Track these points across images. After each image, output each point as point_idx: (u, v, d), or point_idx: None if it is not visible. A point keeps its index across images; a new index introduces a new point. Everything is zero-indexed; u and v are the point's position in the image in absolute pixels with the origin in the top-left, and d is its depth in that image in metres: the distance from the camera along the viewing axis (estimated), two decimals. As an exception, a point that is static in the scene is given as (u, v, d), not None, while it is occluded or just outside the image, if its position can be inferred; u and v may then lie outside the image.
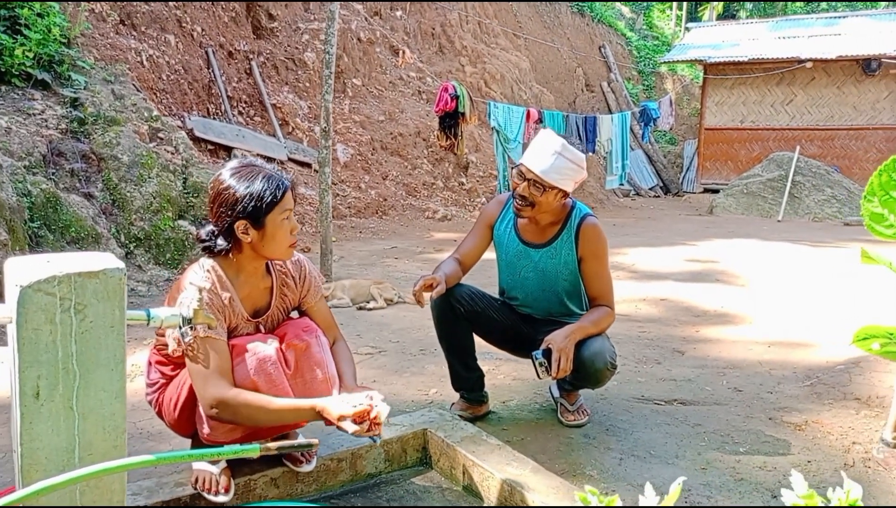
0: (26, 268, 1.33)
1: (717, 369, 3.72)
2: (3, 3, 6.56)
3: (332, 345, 2.33)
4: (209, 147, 8.27)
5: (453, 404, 3.06)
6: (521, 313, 3.01)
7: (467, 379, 3.01)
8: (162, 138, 6.69)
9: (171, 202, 6.24)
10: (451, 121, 8.40)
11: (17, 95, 6.48)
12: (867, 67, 16.38)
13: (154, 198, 6.14)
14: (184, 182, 6.47)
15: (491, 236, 3.02)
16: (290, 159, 9.62)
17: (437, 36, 13.70)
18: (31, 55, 6.50)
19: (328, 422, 2.00)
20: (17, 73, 6.45)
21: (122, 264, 1.47)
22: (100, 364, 1.38)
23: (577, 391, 2.99)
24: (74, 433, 1.31)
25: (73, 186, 5.97)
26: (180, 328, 1.79)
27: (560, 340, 2.64)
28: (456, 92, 8.15)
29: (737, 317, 4.92)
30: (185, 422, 2.16)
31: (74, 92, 6.70)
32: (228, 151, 8.54)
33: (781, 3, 32.33)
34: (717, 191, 16.16)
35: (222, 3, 9.92)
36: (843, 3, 29.16)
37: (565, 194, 2.80)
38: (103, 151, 6.27)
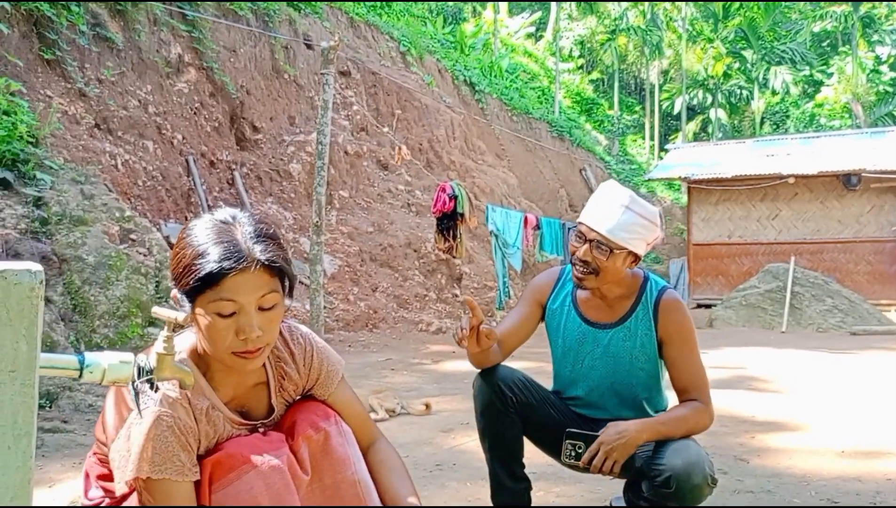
0: None
1: (796, 478, 3.11)
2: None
3: (367, 449, 1.64)
4: (186, 254, 7.66)
5: (491, 528, 2.32)
6: (584, 415, 2.36)
7: (512, 492, 2.31)
8: (134, 240, 6.08)
9: (140, 307, 5.53)
10: (449, 222, 7.91)
11: (-25, 193, 5.90)
12: (847, 181, 16.51)
13: (122, 302, 5.44)
14: (156, 286, 5.79)
15: (541, 315, 2.41)
16: (273, 270, 9.04)
17: (425, 151, 13.58)
18: (-7, 153, 5.98)
19: None
20: (-24, 171, 5.90)
21: (38, 267, 0.89)
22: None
23: (658, 508, 2.26)
24: None
25: (27, 288, 5.27)
26: (134, 384, 1.12)
27: (613, 434, 2.02)
28: (454, 192, 7.74)
29: (790, 424, 4.34)
30: None
31: (39, 191, 6.13)
32: (207, 259, 7.95)
33: (749, 130, 33.65)
34: (710, 306, 15.75)
35: (205, 113, 9.64)
36: (811, 128, 30.34)
37: (636, 259, 2.24)
38: (66, 251, 5.62)
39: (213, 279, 1.35)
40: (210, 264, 1.35)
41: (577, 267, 2.23)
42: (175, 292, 1.42)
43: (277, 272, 1.41)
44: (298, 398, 1.66)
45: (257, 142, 10.45)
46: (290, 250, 9.63)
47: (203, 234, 1.40)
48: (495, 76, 19.88)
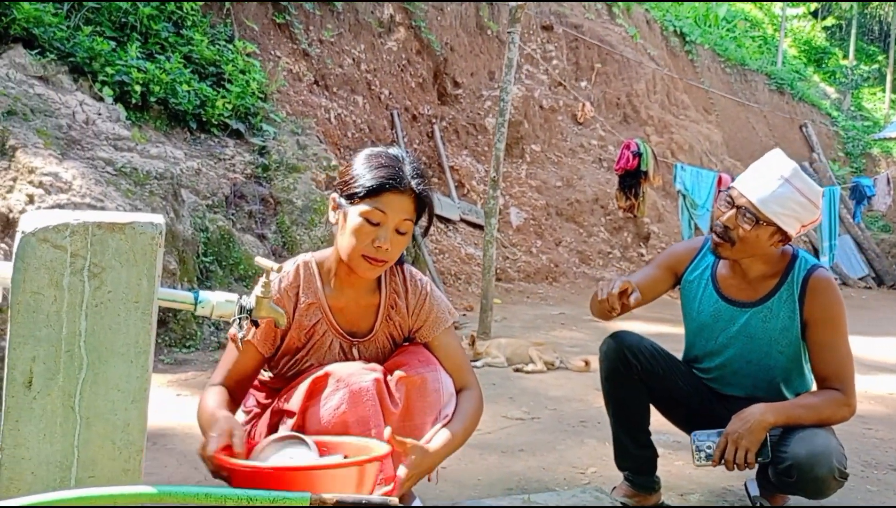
0: (38, 217, 1.03)
1: (980, 486, 2.79)
2: (213, 61, 7.07)
3: (458, 392, 1.85)
4: (384, 202, 8.34)
5: (615, 487, 2.47)
6: (714, 390, 2.34)
7: (635, 457, 2.38)
8: (337, 186, 6.78)
9: (337, 248, 6.23)
10: (632, 180, 7.81)
11: (213, 141, 6.86)
12: None
13: (321, 242, 6.14)
14: (352, 230, 6.45)
15: (673, 282, 2.38)
16: (462, 220, 9.51)
17: (623, 106, 13.26)
18: (229, 107, 6.89)
19: None
20: (216, 122, 6.84)
21: (160, 220, 1.13)
22: (115, 352, 1.05)
23: (787, 495, 2.27)
24: (73, 444, 0.97)
25: (248, 226, 6.12)
26: (238, 319, 1.43)
27: (737, 423, 1.99)
28: (639, 149, 7.60)
29: None
30: None
31: (263, 141, 7.00)
32: (402, 207, 8.58)
33: None
34: (944, 286, 13.98)
35: (411, 69, 10.20)
36: None
37: (785, 239, 2.11)
38: (280, 195, 6.42)
39: (376, 191, 1.69)
40: (379, 178, 1.69)
41: (717, 232, 2.14)
42: (335, 195, 1.78)
43: (420, 205, 1.75)
44: (404, 336, 1.92)
45: (457, 97, 10.87)
46: (480, 201, 10.04)
47: (377, 157, 1.76)
48: (710, 25, 18.64)
